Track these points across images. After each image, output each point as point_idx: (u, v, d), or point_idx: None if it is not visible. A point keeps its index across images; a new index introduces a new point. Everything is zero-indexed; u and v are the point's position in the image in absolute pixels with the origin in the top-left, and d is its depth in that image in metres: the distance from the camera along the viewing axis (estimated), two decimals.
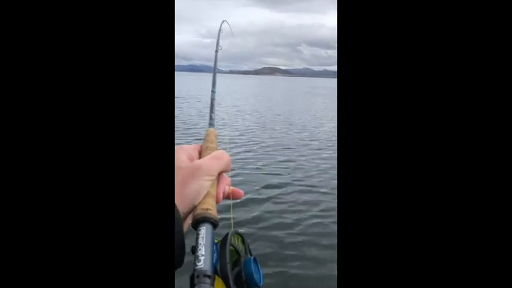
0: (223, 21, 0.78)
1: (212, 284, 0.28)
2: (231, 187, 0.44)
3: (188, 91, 19.99)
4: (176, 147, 0.41)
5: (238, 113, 10.49)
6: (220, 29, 0.76)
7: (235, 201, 0.44)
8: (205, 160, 0.40)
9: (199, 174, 0.37)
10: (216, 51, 0.69)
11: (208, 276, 0.28)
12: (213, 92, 0.64)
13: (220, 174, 0.41)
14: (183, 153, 0.40)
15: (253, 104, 14.32)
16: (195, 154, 0.43)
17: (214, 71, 0.68)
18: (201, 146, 0.47)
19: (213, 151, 0.45)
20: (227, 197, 0.43)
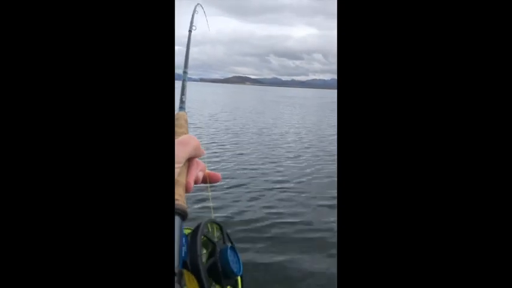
0: (197, 4, 0.83)
1: (179, 281, 0.27)
2: (208, 171, 0.41)
3: None
4: None
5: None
6: (194, 11, 0.81)
7: (212, 184, 0.41)
8: None
9: None
10: (190, 30, 0.74)
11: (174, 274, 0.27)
12: (185, 72, 0.65)
13: (191, 160, 0.38)
14: None
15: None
16: None
17: (187, 51, 0.70)
18: None
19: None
20: (203, 181, 0.40)
